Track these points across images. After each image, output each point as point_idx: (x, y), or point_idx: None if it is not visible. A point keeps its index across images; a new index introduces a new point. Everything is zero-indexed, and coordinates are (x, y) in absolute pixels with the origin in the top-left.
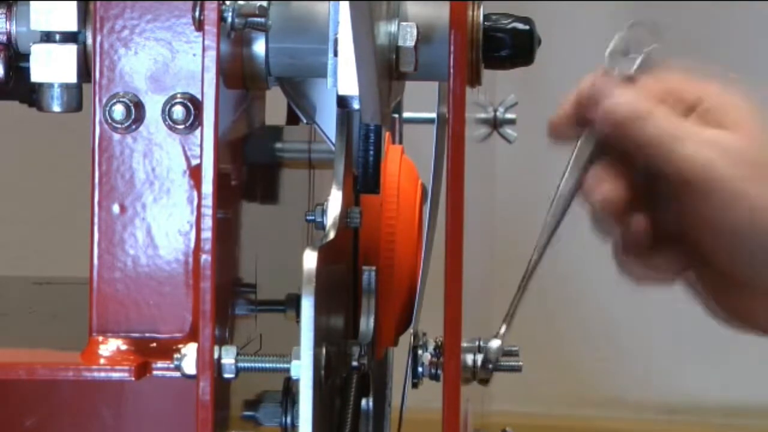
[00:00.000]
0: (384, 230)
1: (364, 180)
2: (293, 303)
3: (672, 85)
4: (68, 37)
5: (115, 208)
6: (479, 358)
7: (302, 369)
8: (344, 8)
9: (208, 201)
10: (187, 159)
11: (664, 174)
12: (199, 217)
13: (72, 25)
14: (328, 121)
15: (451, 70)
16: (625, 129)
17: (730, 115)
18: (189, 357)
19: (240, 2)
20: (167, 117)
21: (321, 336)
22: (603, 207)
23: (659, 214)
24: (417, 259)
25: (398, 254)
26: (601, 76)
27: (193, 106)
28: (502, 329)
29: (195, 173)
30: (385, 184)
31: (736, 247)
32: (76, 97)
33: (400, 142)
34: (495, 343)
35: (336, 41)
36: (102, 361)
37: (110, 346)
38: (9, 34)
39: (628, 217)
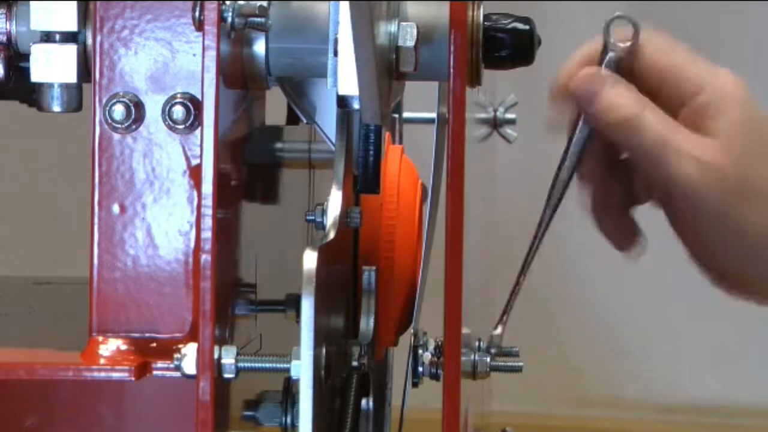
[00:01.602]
0: (384, 230)
1: (364, 180)
2: (293, 303)
3: (669, 74)
4: (68, 37)
5: (115, 208)
6: (479, 357)
7: (302, 369)
8: (344, 8)
9: (208, 201)
10: (187, 159)
11: (651, 179)
12: (199, 217)
13: (72, 25)
14: (328, 121)
15: (451, 70)
16: (616, 133)
17: (721, 122)
18: (189, 357)
19: (240, 2)
20: (167, 117)
21: (321, 336)
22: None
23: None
24: (417, 258)
25: (398, 254)
26: (594, 70)
27: (193, 106)
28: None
29: (195, 173)
30: (385, 184)
31: (718, 254)
32: (76, 97)
33: (400, 142)
34: (496, 331)
35: (336, 41)
36: (102, 361)
37: (110, 346)
38: (9, 34)
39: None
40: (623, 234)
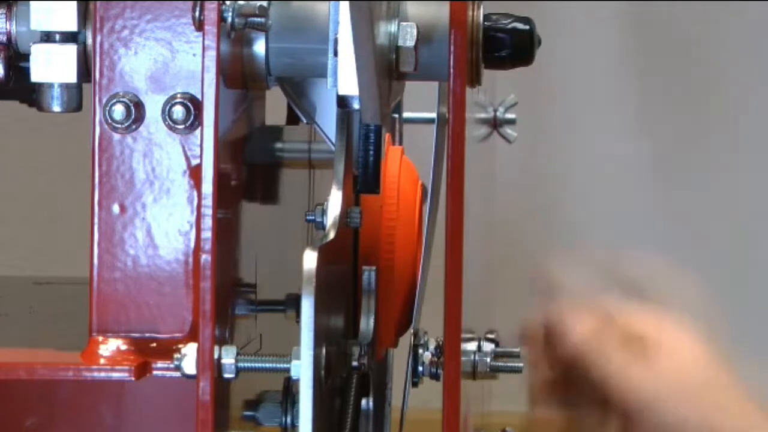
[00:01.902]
0: (384, 231)
1: (364, 180)
2: (293, 303)
3: (625, 321)
4: (68, 37)
5: (115, 208)
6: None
7: (302, 369)
8: (344, 8)
9: (208, 201)
10: (187, 159)
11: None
12: (199, 217)
13: (72, 25)
14: (328, 121)
15: (451, 70)
16: (581, 364)
17: (665, 347)
18: (189, 357)
19: (240, 2)
20: (167, 117)
21: (321, 336)
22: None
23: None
24: (417, 260)
25: (398, 255)
26: (562, 316)
27: (193, 106)
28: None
29: (195, 173)
30: (385, 185)
31: None
32: (76, 97)
33: (400, 142)
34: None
35: (336, 41)
36: (102, 361)
37: (110, 346)
38: (9, 34)
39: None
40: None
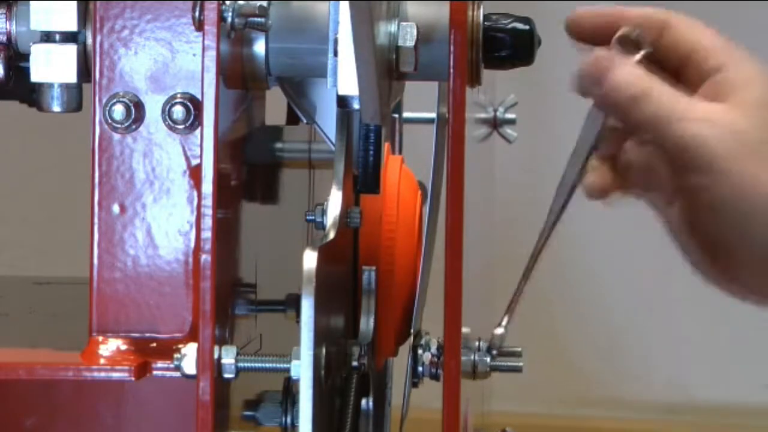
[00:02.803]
0: (384, 240)
1: (364, 180)
2: (293, 303)
3: (694, 49)
4: (68, 37)
5: (115, 208)
6: (479, 357)
7: (302, 369)
8: (344, 8)
9: (208, 201)
10: (187, 159)
11: (663, 151)
12: (199, 217)
13: (72, 25)
14: (328, 121)
15: (451, 70)
16: (623, 110)
17: (738, 92)
18: (189, 357)
19: (240, 2)
20: (167, 117)
21: (321, 336)
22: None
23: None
24: (417, 269)
25: (398, 264)
26: (601, 54)
27: (193, 106)
28: (505, 320)
29: (195, 173)
30: (385, 194)
31: (730, 222)
32: (76, 97)
33: (400, 142)
34: (498, 331)
35: (336, 41)
36: (102, 361)
37: (110, 346)
38: (9, 34)
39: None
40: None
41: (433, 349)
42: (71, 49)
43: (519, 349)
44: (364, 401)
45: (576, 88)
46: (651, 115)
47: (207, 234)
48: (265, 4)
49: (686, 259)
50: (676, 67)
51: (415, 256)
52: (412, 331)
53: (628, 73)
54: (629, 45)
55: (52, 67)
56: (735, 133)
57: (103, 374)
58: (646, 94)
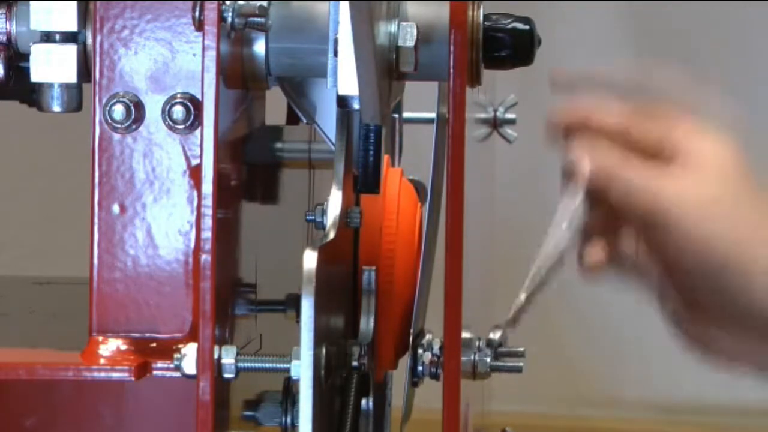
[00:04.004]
0: (384, 253)
1: (364, 180)
2: (293, 303)
3: (639, 134)
4: (68, 37)
5: (115, 208)
6: (480, 356)
7: (302, 369)
8: (344, 8)
9: (208, 201)
10: (187, 159)
11: (636, 216)
12: (199, 217)
13: (72, 25)
14: (328, 121)
15: (451, 70)
16: (601, 186)
17: (691, 157)
18: (189, 357)
19: (240, 2)
20: (167, 117)
21: (321, 336)
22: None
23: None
24: (416, 281)
25: (398, 277)
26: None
27: (193, 106)
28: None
29: (195, 173)
30: (385, 206)
31: (695, 283)
32: (76, 97)
33: (400, 142)
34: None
35: (336, 41)
36: (102, 361)
37: (110, 346)
38: (9, 34)
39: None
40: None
41: (436, 349)
42: (71, 49)
43: (522, 349)
44: (364, 401)
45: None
46: (623, 194)
47: (207, 234)
48: (265, 4)
49: (672, 326)
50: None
51: (414, 269)
52: (411, 331)
53: (603, 158)
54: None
55: (52, 67)
56: (695, 194)
57: (103, 374)
58: (620, 171)
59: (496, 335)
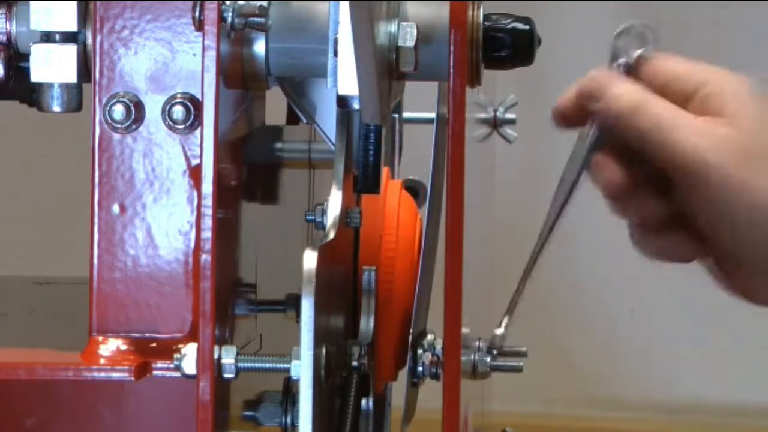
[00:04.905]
0: (383, 263)
1: (364, 180)
2: (293, 303)
3: (673, 74)
4: (68, 37)
5: (115, 208)
6: (480, 356)
7: (302, 369)
8: (344, 8)
9: (208, 201)
10: (187, 159)
11: (661, 162)
12: (199, 217)
13: (72, 25)
14: (328, 121)
15: (451, 70)
16: (623, 121)
17: (729, 104)
18: (189, 357)
19: (240, 2)
20: (167, 117)
21: (321, 336)
22: (606, 192)
23: (665, 198)
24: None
25: (397, 287)
26: (601, 71)
27: (193, 106)
28: (505, 320)
29: (195, 173)
30: (385, 217)
31: (732, 232)
32: (76, 97)
33: (400, 142)
34: (499, 331)
35: (336, 41)
36: (102, 361)
37: (110, 346)
38: (9, 34)
39: (635, 201)
40: (661, 253)
41: (438, 349)
42: (71, 49)
43: (524, 349)
44: (364, 401)
45: (555, 120)
46: (651, 124)
47: (207, 234)
48: (265, 4)
49: (711, 275)
50: (658, 94)
51: (414, 280)
52: (411, 331)
53: (625, 86)
54: (632, 41)
55: (52, 67)
56: (734, 142)
57: (103, 374)
58: (647, 104)
59: (498, 331)
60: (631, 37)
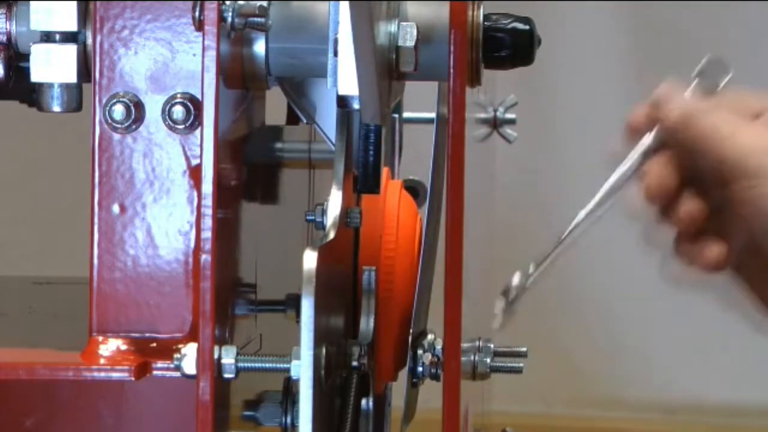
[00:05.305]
0: (383, 263)
1: (364, 180)
2: (293, 303)
3: (740, 98)
4: (68, 37)
5: (115, 208)
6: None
7: (302, 369)
8: (344, 8)
9: (208, 201)
10: (187, 159)
11: (715, 164)
12: (199, 217)
13: (72, 25)
14: (328, 121)
15: (451, 70)
16: (684, 123)
17: None
18: (189, 357)
19: (240, 2)
20: (167, 117)
21: (321, 336)
22: (653, 196)
23: (708, 203)
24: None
25: (397, 288)
26: (668, 84)
27: (193, 106)
28: (531, 268)
29: (195, 173)
30: (385, 218)
31: None
32: (76, 97)
33: (400, 142)
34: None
35: (336, 41)
36: (102, 361)
37: (110, 346)
38: (9, 34)
39: (678, 204)
40: (695, 267)
41: (438, 350)
42: (71, 49)
43: (524, 349)
44: (364, 401)
45: (630, 131)
46: (707, 127)
47: (207, 234)
48: (265, 4)
49: (741, 289)
50: None
51: (414, 280)
52: (411, 331)
53: (688, 98)
54: (713, 72)
55: (52, 67)
56: None
57: (103, 374)
58: (705, 112)
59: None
60: (715, 66)
